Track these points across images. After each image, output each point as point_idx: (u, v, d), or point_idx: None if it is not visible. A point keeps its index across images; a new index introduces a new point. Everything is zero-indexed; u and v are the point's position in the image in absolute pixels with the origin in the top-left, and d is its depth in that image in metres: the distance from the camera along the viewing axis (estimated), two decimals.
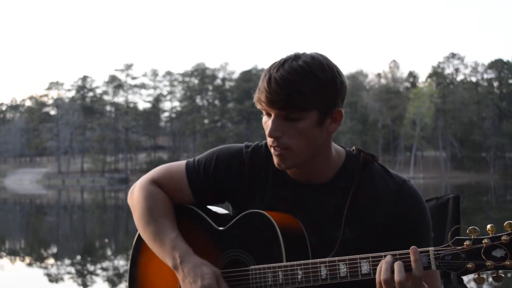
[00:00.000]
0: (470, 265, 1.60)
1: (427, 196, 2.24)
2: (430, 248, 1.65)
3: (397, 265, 1.66)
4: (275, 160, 1.87)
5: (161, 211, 2.01)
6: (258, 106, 1.84)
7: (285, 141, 1.82)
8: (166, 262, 1.94)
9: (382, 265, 1.68)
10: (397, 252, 1.69)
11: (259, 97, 1.82)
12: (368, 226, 1.88)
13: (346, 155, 1.96)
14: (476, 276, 1.60)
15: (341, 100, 1.86)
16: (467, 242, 1.61)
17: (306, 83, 1.77)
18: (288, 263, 1.80)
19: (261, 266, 1.85)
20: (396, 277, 1.64)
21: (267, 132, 1.83)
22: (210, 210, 2.10)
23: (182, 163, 2.07)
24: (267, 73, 1.82)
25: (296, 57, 1.82)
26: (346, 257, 1.73)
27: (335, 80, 1.82)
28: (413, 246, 1.67)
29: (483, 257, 1.59)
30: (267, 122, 1.85)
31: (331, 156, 1.92)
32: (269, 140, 1.86)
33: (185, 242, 1.95)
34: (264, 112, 1.86)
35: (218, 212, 2.11)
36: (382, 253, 1.70)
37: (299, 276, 1.78)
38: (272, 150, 1.87)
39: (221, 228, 1.98)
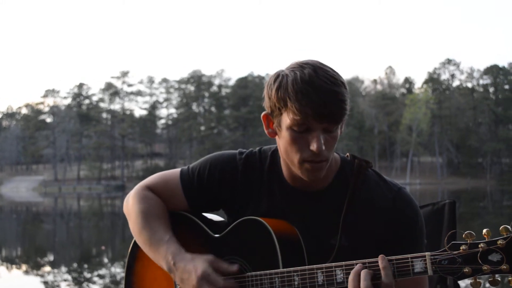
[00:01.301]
0: (467, 270, 1.60)
1: (424, 202, 2.24)
2: (426, 253, 1.65)
3: (363, 273, 1.68)
4: (311, 173, 1.81)
5: (155, 214, 2.01)
6: (297, 122, 1.75)
7: (326, 154, 1.80)
8: (162, 266, 1.94)
9: (350, 276, 1.70)
10: (366, 260, 1.70)
11: (305, 111, 1.73)
12: (363, 232, 1.88)
13: (341, 161, 1.96)
14: (473, 280, 1.60)
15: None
16: (463, 247, 1.61)
17: (344, 92, 1.76)
18: (285, 270, 1.80)
19: (258, 272, 1.85)
20: (362, 285, 1.66)
21: (313, 147, 1.75)
22: (206, 218, 2.10)
23: (176, 170, 2.07)
24: (302, 86, 1.73)
25: (316, 67, 1.78)
26: (343, 263, 1.73)
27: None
28: (381, 255, 1.69)
29: (480, 261, 1.59)
30: (301, 138, 1.78)
31: (330, 163, 1.92)
32: (309, 156, 1.78)
33: (177, 243, 1.94)
34: (294, 128, 1.78)
35: (214, 219, 2.11)
36: (354, 261, 1.71)
37: (296, 283, 1.78)
38: (307, 165, 1.80)
39: (217, 235, 1.98)
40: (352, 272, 1.69)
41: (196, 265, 1.84)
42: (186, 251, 1.92)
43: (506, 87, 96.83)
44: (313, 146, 1.75)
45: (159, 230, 1.97)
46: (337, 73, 1.79)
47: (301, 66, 1.78)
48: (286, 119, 1.78)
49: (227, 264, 1.86)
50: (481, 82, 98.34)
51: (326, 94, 1.72)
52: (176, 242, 1.94)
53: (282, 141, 1.84)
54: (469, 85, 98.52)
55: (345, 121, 1.86)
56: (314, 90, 1.72)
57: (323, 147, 1.76)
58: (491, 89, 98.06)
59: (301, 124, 1.75)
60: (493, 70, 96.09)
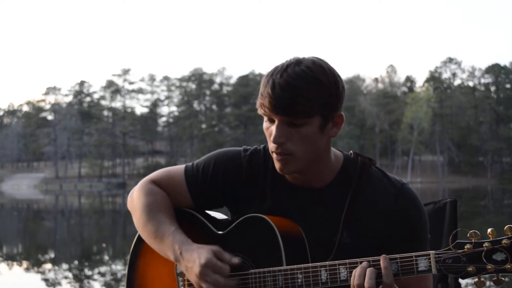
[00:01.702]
0: (471, 269, 1.60)
1: (425, 200, 2.24)
2: (431, 252, 1.65)
3: (368, 272, 1.68)
4: (277, 165, 1.86)
5: (160, 206, 2.01)
6: (261, 112, 1.84)
7: (289, 147, 1.82)
8: (168, 257, 1.94)
9: (357, 271, 1.70)
10: (370, 258, 1.71)
11: (262, 102, 1.81)
12: (366, 229, 1.88)
13: (344, 159, 1.96)
14: (477, 279, 1.61)
15: (342, 104, 1.86)
16: (468, 246, 1.61)
17: (310, 88, 1.77)
18: (288, 267, 1.80)
19: (261, 270, 1.85)
20: (366, 283, 1.67)
21: (270, 139, 1.83)
22: (209, 215, 2.10)
23: (181, 167, 2.07)
24: (269, 78, 1.80)
25: (298, 62, 1.81)
26: (347, 261, 1.73)
27: (337, 84, 1.82)
28: (383, 255, 1.69)
29: (484, 260, 1.59)
30: (269, 128, 1.85)
31: (330, 160, 1.92)
32: (272, 146, 1.84)
33: (184, 234, 1.94)
34: (265, 118, 1.86)
35: (217, 217, 2.11)
36: (358, 259, 1.72)
37: (299, 280, 1.78)
38: (274, 155, 1.86)
39: (220, 232, 1.98)
40: (360, 267, 1.70)
41: (200, 254, 1.84)
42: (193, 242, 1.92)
43: (508, 86, 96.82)
44: (271, 137, 1.82)
45: (165, 222, 1.97)
46: (319, 70, 1.79)
47: (287, 60, 1.84)
48: None
49: (230, 256, 1.86)
50: (482, 81, 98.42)
51: (281, 88, 1.76)
52: (182, 233, 1.94)
53: None
54: (471, 84, 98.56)
55: (343, 121, 1.87)
56: (274, 82, 1.78)
57: (281, 139, 1.80)
58: (493, 88, 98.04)
59: (265, 114, 1.83)
60: (495, 69, 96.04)
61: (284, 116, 1.79)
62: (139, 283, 2.11)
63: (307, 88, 1.76)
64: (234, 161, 2.01)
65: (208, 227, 2.01)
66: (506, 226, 1.57)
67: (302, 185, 1.94)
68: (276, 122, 1.81)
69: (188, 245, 1.89)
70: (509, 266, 1.56)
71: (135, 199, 2.07)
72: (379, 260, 1.69)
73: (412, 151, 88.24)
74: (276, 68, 1.83)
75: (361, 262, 1.72)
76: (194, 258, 1.85)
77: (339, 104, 1.85)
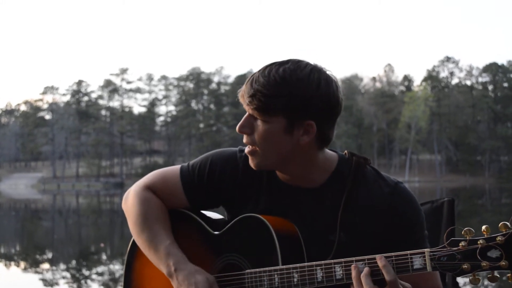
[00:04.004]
0: (466, 266, 1.60)
1: (422, 199, 2.25)
2: (425, 250, 1.65)
3: (363, 278, 1.68)
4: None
5: (156, 217, 2.01)
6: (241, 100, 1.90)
7: (253, 139, 1.87)
8: (161, 269, 1.94)
9: (354, 279, 1.69)
10: (365, 257, 1.71)
11: (239, 92, 1.90)
12: (362, 229, 1.88)
13: (339, 159, 1.96)
14: (472, 277, 1.61)
15: (316, 114, 1.82)
16: (462, 243, 1.61)
17: (273, 88, 1.80)
18: (284, 267, 1.81)
19: (257, 270, 1.85)
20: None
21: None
22: (205, 215, 2.09)
23: (176, 168, 2.07)
24: (252, 73, 1.89)
25: (285, 63, 1.84)
26: (342, 260, 1.73)
27: (313, 93, 1.80)
28: (378, 255, 1.69)
29: (479, 257, 1.59)
30: None
31: (316, 163, 1.91)
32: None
33: (179, 250, 1.95)
34: None
35: (213, 217, 2.11)
36: (353, 258, 1.72)
37: (295, 279, 1.79)
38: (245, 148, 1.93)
39: (216, 233, 1.98)
40: (354, 278, 1.70)
41: (197, 281, 1.86)
42: (190, 256, 1.93)
43: (505, 85, 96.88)
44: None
45: (160, 234, 1.98)
46: (299, 76, 1.80)
47: (287, 59, 1.88)
48: None
49: None
50: (480, 80, 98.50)
51: (250, 82, 1.85)
52: (178, 248, 1.95)
53: None
54: (468, 83, 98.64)
55: (316, 132, 1.84)
56: (249, 77, 1.86)
57: (243, 129, 1.88)
58: (490, 87, 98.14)
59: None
60: (492, 68, 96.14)
61: (248, 106, 1.86)
62: (136, 284, 2.11)
63: (269, 86, 1.80)
64: (230, 162, 2.01)
65: (204, 227, 2.01)
66: (501, 223, 1.57)
67: (296, 185, 1.94)
68: (248, 113, 1.88)
69: (183, 265, 1.91)
70: (503, 263, 1.56)
71: (130, 205, 2.07)
72: (374, 259, 1.69)
73: (410, 150, 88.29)
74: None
75: (356, 261, 1.72)
76: (190, 283, 1.87)
77: (310, 112, 1.82)
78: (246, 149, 1.91)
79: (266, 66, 1.85)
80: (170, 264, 1.91)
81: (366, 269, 1.68)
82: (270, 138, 1.85)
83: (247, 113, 1.88)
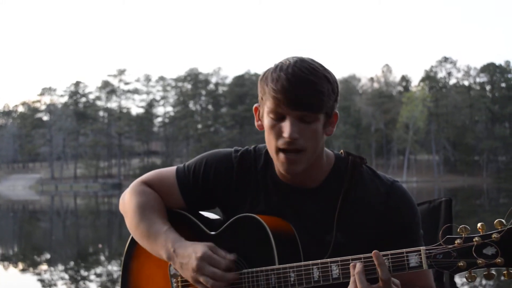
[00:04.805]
0: (462, 264, 1.61)
1: (420, 199, 2.25)
2: (421, 248, 1.65)
3: (357, 276, 1.68)
4: (284, 165, 1.84)
5: (152, 206, 2.02)
6: (270, 109, 1.80)
7: (301, 143, 1.80)
8: (161, 256, 1.94)
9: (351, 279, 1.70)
10: (361, 255, 1.70)
11: (276, 97, 1.77)
12: (359, 228, 1.89)
13: (335, 158, 1.97)
14: (468, 274, 1.61)
15: (337, 103, 1.88)
16: (458, 241, 1.61)
17: (324, 83, 1.78)
18: (281, 266, 1.81)
19: (254, 269, 1.86)
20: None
21: (283, 135, 1.79)
22: (202, 215, 2.10)
23: (172, 168, 2.07)
24: (279, 74, 1.78)
25: (301, 59, 1.82)
26: (339, 259, 1.74)
27: (337, 82, 1.85)
28: (375, 251, 1.69)
29: (474, 255, 1.60)
30: (276, 126, 1.82)
31: (323, 160, 1.93)
32: (283, 143, 1.81)
33: (176, 233, 1.94)
34: (270, 116, 1.82)
35: (209, 217, 2.11)
36: (349, 257, 1.72)
37: (292, 279, 1.79)
38: (281, 155, 1.83)
39: (212, 233, 1.99)
40: (351, 283, 1.70)
41: (195, 249, 1.85)
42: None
43: (503, 85, 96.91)
44: (285, 133, 1.78)
45: (157, 222, 1.98)
46: (323, 68, 1.81)
47: (288, 58, 1.83)
48: (266, 107, 1.83)
49: (225, 252, 1.87)
50: (477, 80, 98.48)
51: (300, 82, 1.75)
52: (175, 232, 1.95)
53: (265, 131, 1.87)
54: (466, 83, 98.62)
55: (338, 120, 1.89)
56: (288, 77, 1.76)
57: (296, 135, 1.78)
58: (488, 87, 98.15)
59: (276, 111, 1.79)
60: (490, 68, 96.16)
61: (301, 111, 1.77)
62: (134, 286, 2.12)
63: (321, 83, 1.78)
64: (225, 162, 2.01)
65: (201, 228, 2.02)
66: (496, 220, 1.57)
67: (294, 185, 1.94)
68: (290, 118, 1.79)
69: (181, 242, 1.90)
70: (499, 260, 1.56)
71: (127, 200, 2.07)
72: (370, 257, 1.69)
73: (407, 150, 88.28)
74: (280, 65, 1.81)
75: (353, 260, 1.72)
76: (189, 253, 1.85)
77: (337, 102, 1.87)
78: (290, 156, 1.81)
79: (292, 65, 1.78)
80: (169, 247, 1.90)
81: (359, 266, 1.69)
82: (316, 137, 1.83)
83: (290, 118, 1.78)
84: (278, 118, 1.81)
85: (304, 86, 1.75)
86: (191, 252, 1.85)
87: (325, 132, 1.87)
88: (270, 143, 1.86)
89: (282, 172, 1.89)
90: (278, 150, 1.83)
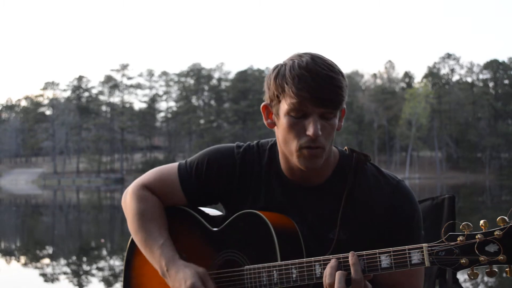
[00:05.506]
0: (464, 261, 1.60)
1: (423, 196, 2.24)
2: (423, 244, 1.65)
3: (338, 275, 1.68)
4: (306, 161, 1.80)
5: (151, 216, 2.02)
6: (294, 106, 1.76)
7: (322, 140, 1.79)
8: (156, 269, 1.96)
9: (327, 270, 1.71)
10: (364, 252, 1.71)
11: (301, 95, 1.74)
12: (362, 226, 1.88)
13: (340, 155, 1.96)
14: (470, 271, 1.61)
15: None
16: (460, 238, 1.61)
17: (341, 80, 1.78)
18: (283, 263, 1.81)
19: (256, 265, 1.86)
20: (336, 285, 1.68)
21: (307, 133, 1.76)
22: (204, 212, 2.10)
23: (174, 165, 2.07)
24: (300, 71, 1.75)
25: (315, 55, 1.80)
26: (341, 255, 1.73)
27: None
28: (351, 251, 1.70)
29: (477, 252, 1.59)
30: (300, 124, 1.78)
31: (330, 157, 1.92)
32: (306, 141, 1.78)
33: (171, 248, 1.95)
34: (291, 114, 1.78)
35: (212, 213, 2.11)
36: (340, 255, 1.73)
37: (294, 275, 1.79)
38: (305, 151, 1.79)
39: (215, 229, 1.99)
40: (329, 267, 1.71)
41: (186, 276, 1.86)
42: (180, 258, 1.93)
43: (506, 82, 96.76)
44: (310, 131, 1.76)
45: (154, 233, 1.98)
46: (334, 63, 1.80)
47: (299, 55, 1.81)
48: (284, 106, 1.79)
49: (214, 285, 1.89)
50: (480, 76, 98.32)
51: (322, 79, 1.73)
52: (170, 247, 1.96)
53: (281, 130, 1.84)
54: (469, 79, 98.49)
55: (345, 115, 1.87)
56: (311, 74, 1.74)
57: (320, 132, 1.76)
58: (491, 84, 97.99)
59: (298, 109, 1.76)
60: (493, 65, 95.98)
61: (324, 108, 1.76)
62: (136, 281, 2.12)
63: (339, 79, 1.77)
64: (227, 158, 2.00)
65: (203, 224, 2.02)
66: (499, 217, 1.57)
67: (298, 181, 1.93)
68: (314, 115, 1.76)
69: (174, 262, 1.92)
70: (501, 258, 1.56)
71: (128, 203, 2.08)
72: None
73: (410, 147, 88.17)
74: (297, 63, 1.77)
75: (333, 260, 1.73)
76: (179, 278, 1.87)
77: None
78: (312, 151, 1.79)
79: (311, 62, 1.76)
80: (162, 264, 1.92)
81: (333, 261, 1.71)
82: (332, 133, 1.82)
83: (315, 115, 1.76)
84: (300, 116, 1.78)
85: (327, 83, 1.74)
86: (181, 279, 1.87)
87: (337, 127, 1.86)
88: (289, 142, 1.81)
89: (303, 170, 1.85)
90: (301, 148, 1.79)
